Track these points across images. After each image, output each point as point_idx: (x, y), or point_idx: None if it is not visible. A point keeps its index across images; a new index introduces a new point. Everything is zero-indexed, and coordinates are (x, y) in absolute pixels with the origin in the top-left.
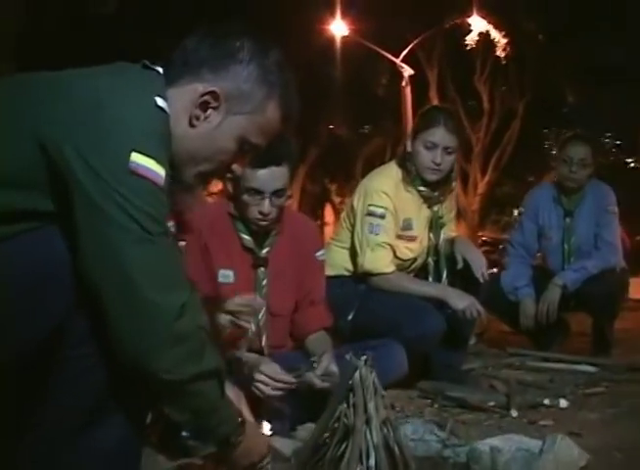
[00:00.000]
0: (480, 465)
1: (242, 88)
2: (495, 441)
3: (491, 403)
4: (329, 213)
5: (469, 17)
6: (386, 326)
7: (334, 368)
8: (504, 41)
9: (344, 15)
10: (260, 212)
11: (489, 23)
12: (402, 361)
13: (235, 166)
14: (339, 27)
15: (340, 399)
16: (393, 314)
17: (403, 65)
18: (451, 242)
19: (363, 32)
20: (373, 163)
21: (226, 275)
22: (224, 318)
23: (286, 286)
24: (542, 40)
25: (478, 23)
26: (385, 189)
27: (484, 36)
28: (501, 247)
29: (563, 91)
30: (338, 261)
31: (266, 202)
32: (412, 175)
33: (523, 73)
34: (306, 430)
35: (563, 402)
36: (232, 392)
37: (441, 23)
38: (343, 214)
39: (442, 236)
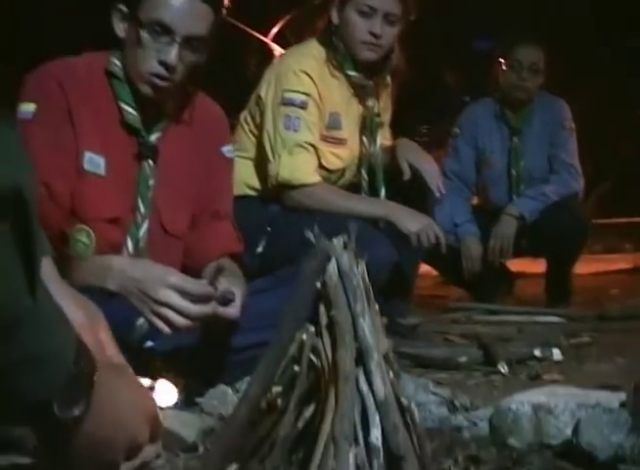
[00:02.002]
0: (521, 436)
1: None
2: (531, 397)
3: (463, 359)
4: None
5: None
6: None
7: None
8: None
9: None
10: (162, 63)
11: None
12: None
13: None
14: None
15: (296, 318)
16: None
17: (274, 44)
18: (391, 149)
19: (230, 10)
20: None
21: (95, 162)
22: None
23: (181, 191)
24: None
25: None
26: (305, 69)
27: None
28: None
29: None
30: (239, 177)
31: (174, 49)
32: (340, 55)
33: None
34: (224, 394)
35: (557, 354)
36: (79, 312)
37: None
38: (244, 115)
39: (379, 141)
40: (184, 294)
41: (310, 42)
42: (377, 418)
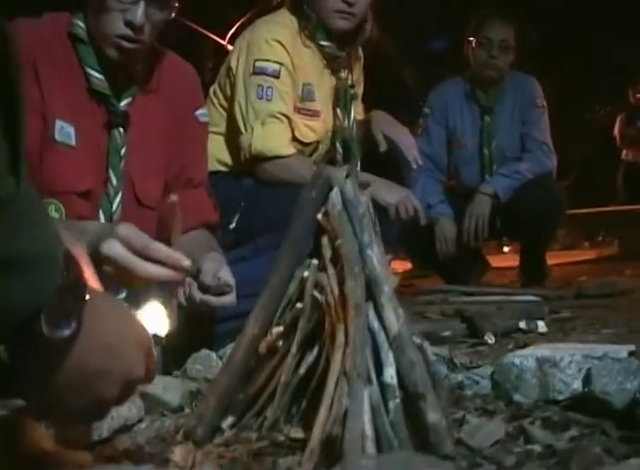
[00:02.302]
0: (526, 391)
1: None
2: (534, 351)
3: (447, 333)
4: None
5: None
6: None
7: (228, 277)
8: None
9: None
10: (128, 24)
11: None
12: None
13: None
14: None
15: (295, 254)
16: None
17: (230, 47)
18: (365, 122)
19: (185, 12)
20: None
21: (65, 132)
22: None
23: (154, 159)
24: None
25: None
26: (278, 37)
27: None
28: None
29: None
30: (210, 153)
31: (139, 8)
32: (312, 24)
33: None
34: (208, 359)
35: (542, 326)
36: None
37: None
38: (213, 88)
39: (353, 114)
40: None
41: (281, 11)
42: (390, 355)
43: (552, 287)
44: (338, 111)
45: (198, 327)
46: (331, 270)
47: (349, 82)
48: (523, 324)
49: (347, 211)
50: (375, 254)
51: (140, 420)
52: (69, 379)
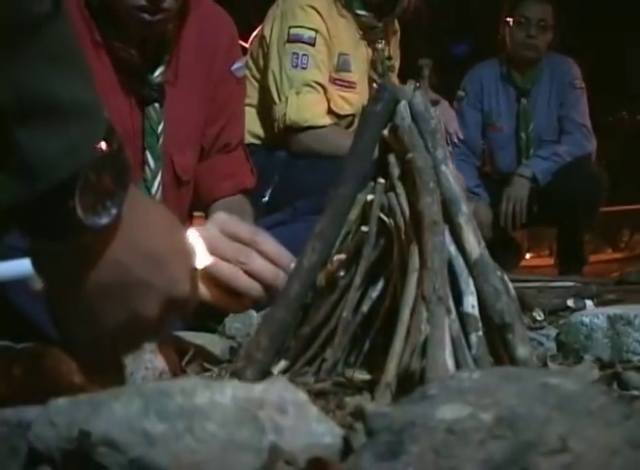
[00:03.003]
0: (597, 352)
1: None
2: (606, 310)
3: None
4: None
5: None
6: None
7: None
8: None
9: None
10: None
11: None
12: None
13: None
14: None
15: (358, 175)
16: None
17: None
18: None
19: None
20: None
21: None
22: None
23: (191, 128)
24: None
25: None
26: (313, 4)
27: None
28: None
29: None
30: None
31: None
32: None
33: None
34: (249, 317)
35: (590, 305)
36: None
37: None
38: (245, 60)
39: None
40: None
41: None
42: (471, 283)
43: (591, 275)
44: (374, 84)
45: None
46: (400, 189)
47: (386, 54)
48: (571, 302)
49: (417, 125)
50: (450, 170)
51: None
52: (104, 285)
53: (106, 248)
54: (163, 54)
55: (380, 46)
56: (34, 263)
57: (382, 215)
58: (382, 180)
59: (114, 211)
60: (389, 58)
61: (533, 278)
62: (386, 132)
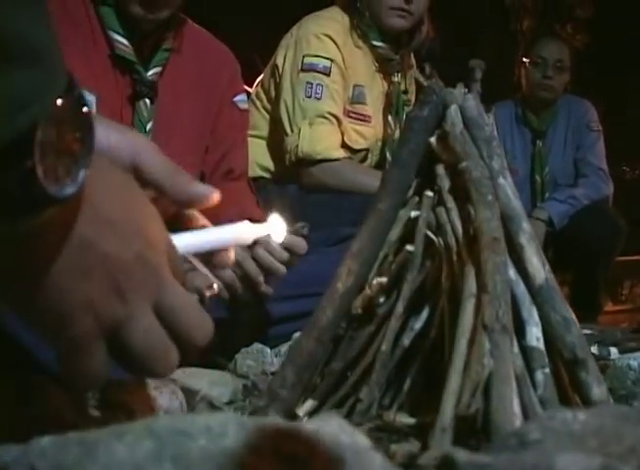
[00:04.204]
0: None
1: None
2: None
3: None
4: None
5: None
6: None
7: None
8: None
9: None
10: None
11: None
12: None
13: None
14: None
15: (400, 188)
16: (347, 224)
17: None
18: None
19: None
20: None
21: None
22: None
23: (186, 138)
24: None
25: None
26: (329, 33)
27: None
28: None
29: None
30: (251, 158)
31: None
32: (365, 23)
33: None
34: (262, 354)
35: (614, 352)
36: None
37: None
38: (255, 90)
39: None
40: None
41: (332, 8)
42: (534, 311)
43: (603, 324)
44: (389, 117)
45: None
46: (451, 204)
47: (402, 87)
48: (595, 349)
49: (470, 132)
50: (508, 183)
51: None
52: (79, 269)
53: (72, 224)
54: (160, 55)
55: (396, 79)
56: None
57: (429, 233)
58: (429, 193)
59: (80, 177)
60: (405, 92)
61: None
62: (433, 140)
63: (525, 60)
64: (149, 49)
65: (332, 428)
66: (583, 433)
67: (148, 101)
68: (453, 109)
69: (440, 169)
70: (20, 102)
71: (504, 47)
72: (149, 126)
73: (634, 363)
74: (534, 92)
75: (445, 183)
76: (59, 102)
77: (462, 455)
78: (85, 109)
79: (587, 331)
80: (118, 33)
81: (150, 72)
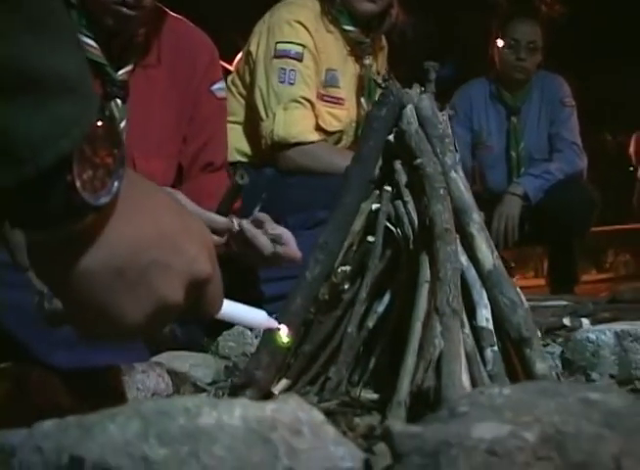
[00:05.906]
0: (604, 369)
1: None
2: (612, 326)
3: None
4: None
5: None
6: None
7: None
8: None
9: None
10: None
11: None
12: None
13: None
14: None
15: (362, 183)
16: (324, 206)
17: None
18: None
19: None
20: None
21: None
22: None
23: (160, 138)
24: None
25: None
26: (300, 19)
27: None
28: None
29: None
30: (229, 144)
31: None
32: (335, 8)
33: None
34: (242, 335)
35: (586, 323)
36: None
37: None
38: (231, 77)
39: None
40: None
41: None
42: (484, 294)
43: (580, 295)
44: (362, 99)
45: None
46: (408, 197)
47: (374, 69)
48: (567, 321)
49: (425, 130)
50: (460, 177)
51: (168, 396)
52: (115, 269)
53: (109, 228)
54: (130, 55)
55: (367, 62)
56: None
57: (388, 225)
58: (388, 188)
59: (114, 187)
60: (377, 73)
61: (526, 297)
62: (391, 138)
63: (498, 41)
64: (119, 47)
65: (292, 406)
66: (503, 406)
67: (119, 101)
68: (409, 108)
69: (398, 165)
70: (62, 129)
71: (486, 23)
72: (122, 126)
73: (592, 336)
74: (508, 73)
75: (403, 178)
76: (95, 126)
77: (397, 426)
78: (117, 127)
79: (562, 302)
80: (86, 35)
81: (121, 71)
